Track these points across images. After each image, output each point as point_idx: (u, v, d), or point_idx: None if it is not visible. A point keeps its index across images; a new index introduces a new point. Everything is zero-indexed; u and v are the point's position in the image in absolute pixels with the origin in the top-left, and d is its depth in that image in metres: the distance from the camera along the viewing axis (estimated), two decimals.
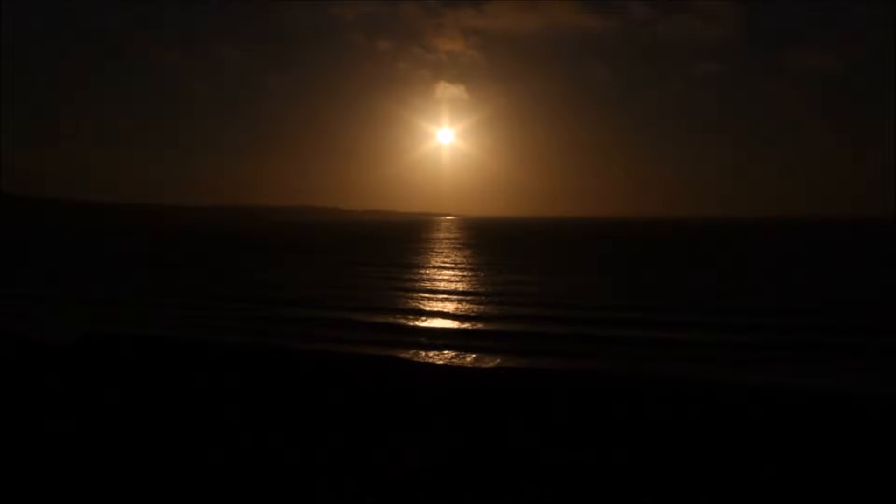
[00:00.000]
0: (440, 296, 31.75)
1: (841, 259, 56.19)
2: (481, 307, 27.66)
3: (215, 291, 33.79)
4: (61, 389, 12.82)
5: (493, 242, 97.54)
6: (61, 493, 7.65)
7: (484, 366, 17.00)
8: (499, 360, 17.49)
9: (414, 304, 28.69)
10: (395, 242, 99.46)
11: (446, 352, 18.91)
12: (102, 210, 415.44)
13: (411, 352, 18.84)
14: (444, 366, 17.14)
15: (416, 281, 39.30)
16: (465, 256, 62.90)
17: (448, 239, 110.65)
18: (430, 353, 18.72)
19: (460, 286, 35.95)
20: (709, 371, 16.09)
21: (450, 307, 27.81)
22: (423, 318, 24.94)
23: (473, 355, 18.22)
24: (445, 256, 62.89)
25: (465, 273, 44.48)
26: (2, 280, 41.06)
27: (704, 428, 10.81)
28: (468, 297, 30.94)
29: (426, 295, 32.17)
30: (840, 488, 8.19)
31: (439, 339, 20.95)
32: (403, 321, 24.35)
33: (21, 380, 13.61)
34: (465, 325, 23.41)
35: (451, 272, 45.12)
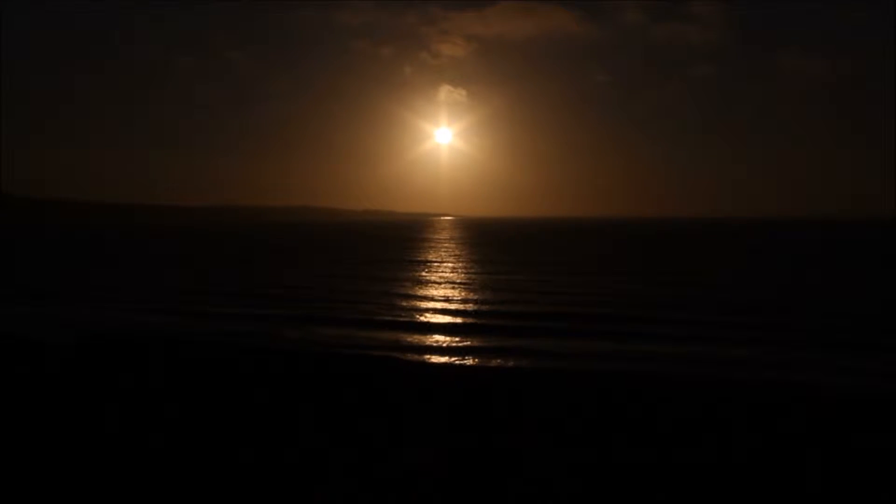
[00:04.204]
0: (439, 299, 31.73)
1: (854, 259, 56.21)
2: (480, 309, 27.65)
3: (215, 291, 33.78)
4: (61, 389, 12.82)
5: (492, 243, 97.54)
6: (61, 493, 7.65)
7: (483, 367, 17.00)
8: (498, 362, 17.49)
9: (414, 307, 28.68)
10: (396, 243, 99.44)
11: (446, 354, 18.91)
12: (102, 210, 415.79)
13: (412, 353, 18.84)
14: (444, 366, 17.15)
15: (416, 284, 39.28)
16: (465, 258, 62.89)
17: (448, 240, 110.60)
18: (430, 355, 18.72)
19: (460, 288, 35.93)
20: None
21: (450, 308, 27.82)
22: (424, 320, 24.93)
23: (473, 357, 18.22)
24: (446, 257, 62.90)
25: (464, 274, 44.46)
26: (2, 280, 41.05)
27: (712, 428, 10.81)
28: (468, 299, 30.93)
29: (425, 298, 32.16)
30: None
31: (438, 340, 20.93)
32: (404, 323, 24.34)
33: (21, 380, 13.61)
34: (465, 327, 23.41)
35: (450, 274, 45.10)
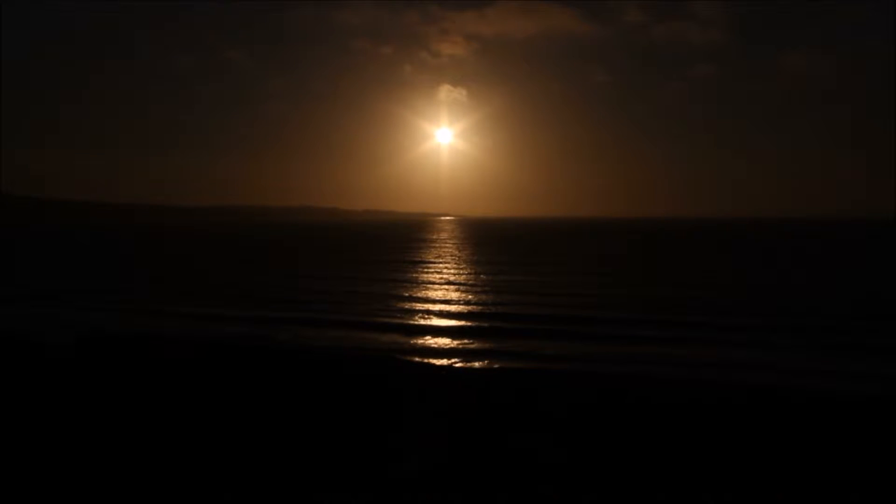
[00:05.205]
0: (439, 301, 31.73)
1: (854, 259, 56.20)
2: (482, 311, 27.64)
3: (215, 292, 33.78)
4: (61, 389, 12.80)
5: (493, 243, 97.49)
6: (62, 494, 7.64)
7: (482, 367, 16.99)
8: (499, 363, 17.48)
9: (414, 309, 28.68)
10: (397, 243, 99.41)
11: (447, 355, 18.91)
12: (102, 210, 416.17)
13: (412, 355, 18.83)
14: (444, 366, 17.14)
15: (416, 285, 39.28)
16: (465, 258, 62.89)
17: (449, 240, 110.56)
18: (431, 356, 18.72)
19: (460, 289, 35.92)
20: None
21: (451, 310, 27.81)
22: (424, 321, 24.93)
23: (474, 358, 18.22)
24: (446, 258, 62.89)
25: (465, 275, 44.45)
26: (2, 280, 41.04)
27: (706, 427, 10.80)
28: (468, 301, 30.91)
29: (426, 300, 32.15)
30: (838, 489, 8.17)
31: (439, 341, 20.93)
32: (405, 325, 24.34)
33: (21, 380, 13.59)
34: (466, 329, 23.39)
35: (450, 275, 45.09)
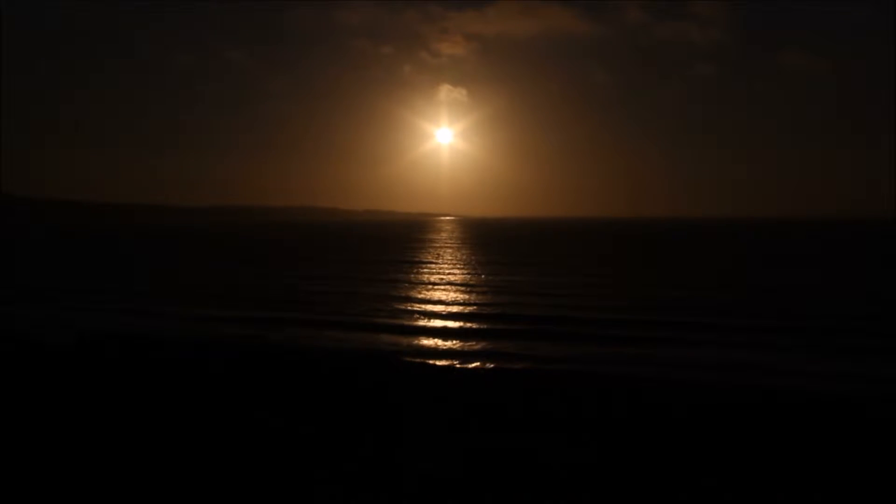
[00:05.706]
0: (439, 301, 31.71)
1: (854, 260, 56.17)
2: (481, 311, 27.63)
3: (215, 293, 33.76)
4: (61, 390, 12.79)
5: (493, 243, 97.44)
6: (62, 494, 7.64)
7: (483, 367, 16.98)
8: (500, 364, 17.47)
9: (414, 310, 28.66)
10: (397, 243, 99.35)
11: (445, 355, 18.90)
12: (102, 210, 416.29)
13: (413, 356, 18.82)
14: (444, 366, 17.13)
15: (416, 285, 39.26)
16: (465, 259, 62.85)
17: (449, 240, 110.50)
18: (430, 356, 18.71)
19: (460, 290, 35.90)
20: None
21: (451, 311, 27.79)
22: (423, 321, 24.91)
23: (475, 359, 18.21)
24: (447, 258, 62.86)
25: (464, 276, 44.43)
26: (2, 280, 41.03)
27: (706, 427, 10.80)
28: (468, 302, 30.90)
29: (425, 301, 32.14)
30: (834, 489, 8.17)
31: (439, 342, 20.91)
32: (404, 325, 24.32)
33: (21, 380, 13.59)
34: (466, 330, 23.38)
35: (450, 275, 45.07)
